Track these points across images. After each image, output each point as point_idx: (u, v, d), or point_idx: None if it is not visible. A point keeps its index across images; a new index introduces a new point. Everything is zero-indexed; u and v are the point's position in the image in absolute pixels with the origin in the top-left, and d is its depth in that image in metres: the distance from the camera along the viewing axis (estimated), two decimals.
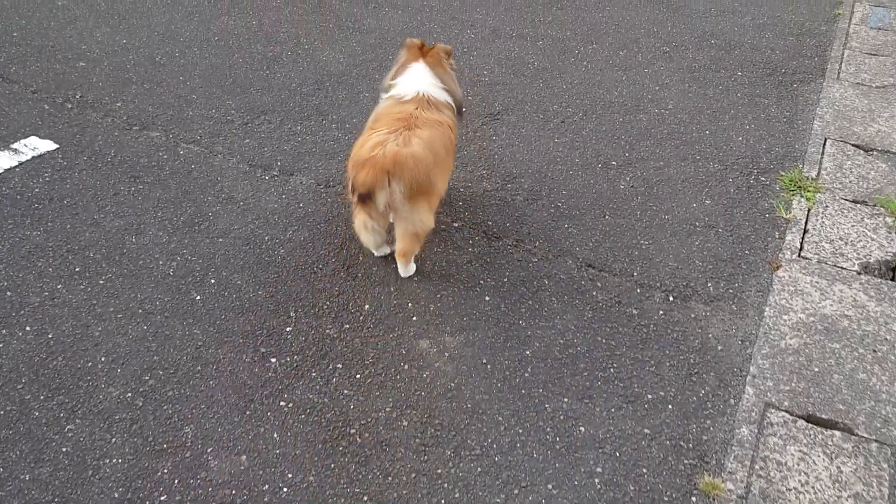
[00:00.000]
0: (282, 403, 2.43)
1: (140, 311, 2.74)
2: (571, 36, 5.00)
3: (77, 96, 4.05)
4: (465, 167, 3.60)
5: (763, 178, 3.60)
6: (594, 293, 2.91)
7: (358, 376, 2.53)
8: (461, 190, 3.44)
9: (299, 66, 4.49)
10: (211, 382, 2.48)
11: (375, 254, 2.98)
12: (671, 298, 2.90)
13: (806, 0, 5.64)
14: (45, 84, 4.18)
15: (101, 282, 2.86)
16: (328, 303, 2.81)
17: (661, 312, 2.84)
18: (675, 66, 4.66)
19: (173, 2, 5.22)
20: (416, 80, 2.80)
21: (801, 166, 3.65)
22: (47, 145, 3.63)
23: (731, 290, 2.93)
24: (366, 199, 2.47)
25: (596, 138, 3.89)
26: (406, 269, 2.88)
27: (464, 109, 3.26)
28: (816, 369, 2.55)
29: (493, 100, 4.21)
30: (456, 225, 3.23)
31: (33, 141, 3.66)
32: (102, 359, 2.54)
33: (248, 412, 2.39)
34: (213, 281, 2.90)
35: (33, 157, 3.54)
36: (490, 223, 3.24)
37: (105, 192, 3.36)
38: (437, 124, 2.64)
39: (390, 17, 5.19)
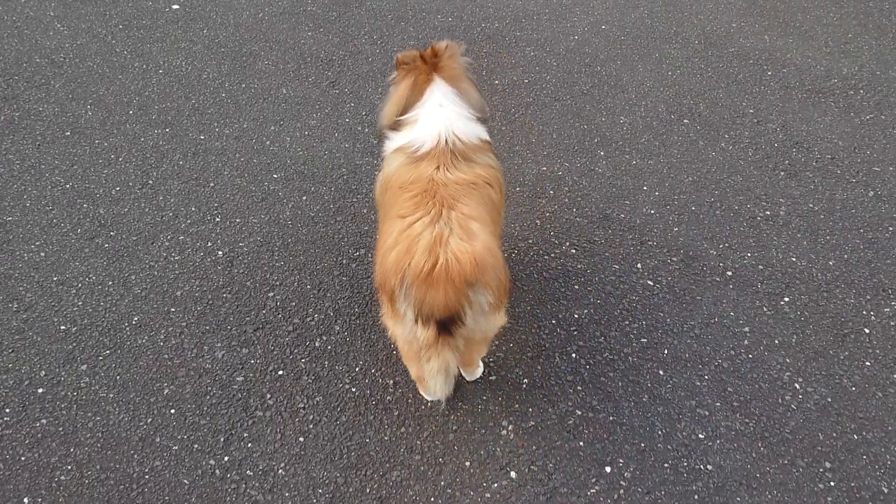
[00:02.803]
0: None
1: None
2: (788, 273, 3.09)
3: None
4: None
5: None
6: None
7: None
8: None
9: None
10: None
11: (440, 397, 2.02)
12: None
13: None
14: None
15: None
16: None
17: None
18: None
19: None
20: (436, 115, 2.04)
21: None
22: None
23: None
24: (450, 327, 1.70)
25: None
26: (475, 372, 2.37)
27: (489, 116, 2.42)
28: None
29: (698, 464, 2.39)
30: None
31: None
32: None
33: None
34: None
35: None
36: None
37: None
38: (472, 187, 1.90)
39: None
